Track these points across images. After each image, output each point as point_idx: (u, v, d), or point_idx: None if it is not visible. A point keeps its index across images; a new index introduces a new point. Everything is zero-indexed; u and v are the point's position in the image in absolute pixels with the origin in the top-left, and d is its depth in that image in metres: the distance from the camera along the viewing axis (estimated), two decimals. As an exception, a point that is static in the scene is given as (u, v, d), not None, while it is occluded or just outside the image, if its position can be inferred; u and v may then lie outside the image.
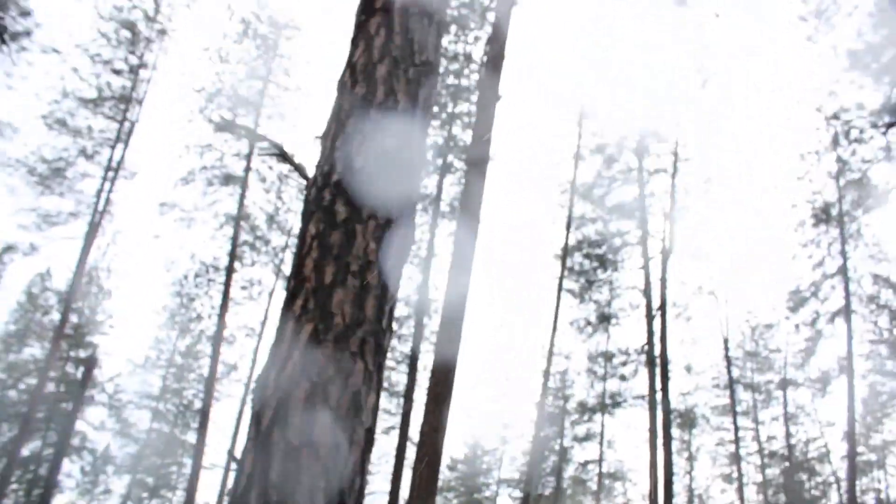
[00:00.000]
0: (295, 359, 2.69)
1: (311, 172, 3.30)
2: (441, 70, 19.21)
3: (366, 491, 2.78)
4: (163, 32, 23.45)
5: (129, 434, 28.11)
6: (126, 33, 22.81)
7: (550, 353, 21.05)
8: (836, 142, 22.51)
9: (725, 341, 26.43)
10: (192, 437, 27.84)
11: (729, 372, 27.44)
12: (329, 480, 2.55)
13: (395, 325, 3.25)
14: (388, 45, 3.37)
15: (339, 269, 2.86)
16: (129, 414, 27.88)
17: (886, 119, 16.83)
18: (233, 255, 23.14)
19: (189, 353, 28.48)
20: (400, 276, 3.15)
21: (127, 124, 22.54)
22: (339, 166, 3.09)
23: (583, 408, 26.64)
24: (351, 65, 3.41)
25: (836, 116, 20.71)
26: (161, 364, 28.95)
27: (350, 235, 2.93)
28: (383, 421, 25.20)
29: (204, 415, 21.97)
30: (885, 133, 17.10)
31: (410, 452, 18.23)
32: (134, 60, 22.96)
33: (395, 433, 24.12)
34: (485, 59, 15.52)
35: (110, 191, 21.94)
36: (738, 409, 30.46)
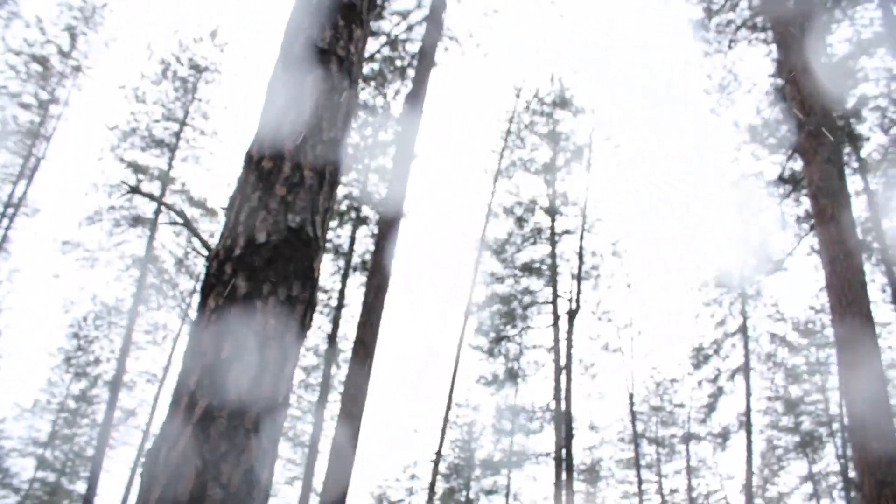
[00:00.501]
0: (187, 435, 2.64)
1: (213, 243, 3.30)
2: (359, 122, 19.40)
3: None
4: (77, 69, 22.92)
5: (10, 484, 26.41)
6: (37, 67, 22.19)
7: (448, 406, 21.12)
8: (739, 208, 23.64)
9: (631, 396, 27.05)
10: (81, 487, 26.45)
11: (634, 426, 28.01)
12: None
13: (291, 399, 3.26)
14: (297, 122, 3.38)
15: (237, 345, 2.84)
16: (11, 462, 26.24)
17: (781, 189, 17.84)
18: (138, 298, 22.42)
19: (84, 397, 27.15)
20: (298, 351, 3.17)
21: (32, 160, 21.81)
22: (241, 241, 3.08)
23: (488, 463, 26.67)
24: (259, 138, 3.42)
25: (736, 185, 21.78)
26: (52, 408, 27.48)
27: (250, 312, 2.91)
28: (287, 471, 24.62)
29: (96, 463, 20.98)
30: (780, 203, 18.09)
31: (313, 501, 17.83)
32: (44, 95, 22.34)
33: (299, 483, 23.62)
34: (403, 114, 15.77)
35: (8, 227, 21.10)
36: (642, 462, 30.89)
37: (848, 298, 8.44)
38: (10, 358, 27.53)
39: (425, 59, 13.16)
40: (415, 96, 12.98)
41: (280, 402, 2.92)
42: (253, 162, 3.35)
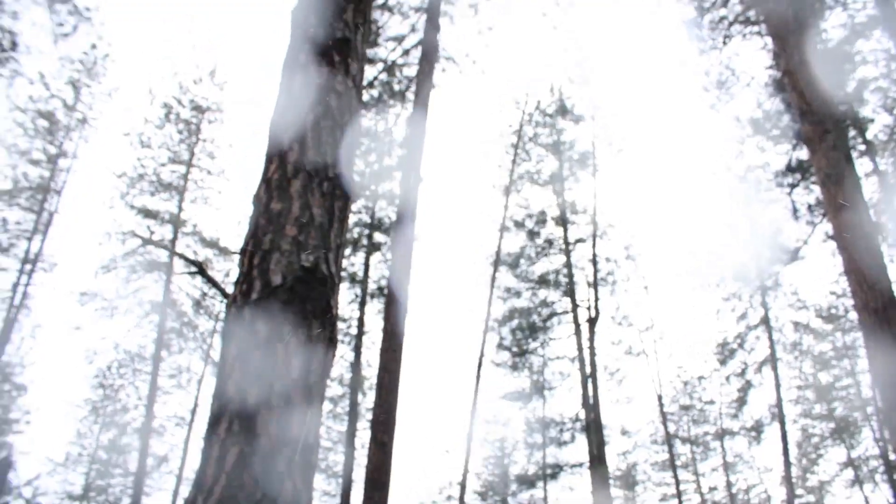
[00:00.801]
0: (221, 483, 2.66)
1: (230, 289, 3.32)
2: (363, 149, 19.51)
3: None
4: (83, 121, 23.18)
5: (52, 541, 26.51)
6: (44, 122, 22.46)
7: (472, 424, 21.03)
8: (747, 202, 23.51)
9: (659, 398, 26.80)
10: (121, 537, 26.46)
11: (665, 427, 27.71)
12: None
13: (326, 435, 3.28)
14: (302, 160, 3.42)
15: (263, 390, 2.84)
16: (50, 518, 26.30)
17: (789, 179, 17.74)
18: (159, 343, 22.52)
19: (114, 447, 27.16)
20: (325, 388, 3.19)
21: (45, 214, 22.01)
22: (257, 285, 3.10)
23: (523, 478, 26.49)
24: (266, 180, 3.44)
25: (743, 179, 21.70)
26: (83, 460, 27.52)
27: (271, 355, 2.92)
28: (323, 503, 24.54)
29: (134, 511, 21.05)
30: (789, 193, 17.98)
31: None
32: (52, 150, 22.58)
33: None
34: (406, 138, 15.86)
35: (27, 284, 21.27)
36: (678, 462, 30.52)
37: (869, 282, 8.38)
38: (38, 413, 27.69)
39: (424, 82, 13.24)
40: (416, 119, 13.06)
41: (311, 443, 2.94)
42: (262, 205, 3.38)
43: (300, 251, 3.21)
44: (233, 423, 2.78)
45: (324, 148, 3.52)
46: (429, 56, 13.63)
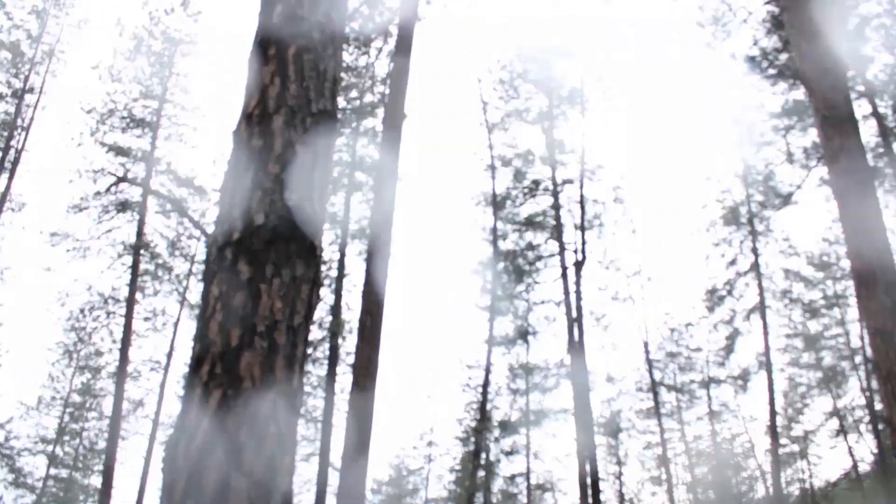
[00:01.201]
0: (204, 426, 2.62)
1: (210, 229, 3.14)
2: (344, 85, 19.02)
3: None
4: (50, 54, 22.37)
5: (25, 484, 26.31)
6: (6, 55, 21.62)
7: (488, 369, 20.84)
8: (741, 144, 23.23)
9: (646, 345, 26.90)
10: (96, 481, 26.43)
11: (651, 374, 27.84)
12: (249, 550, 2.48)
13: (305, 380, 3.16)
14: (284, 95, 3.29)
15: (246, 331, 2.79)
16: (23, 462, 26.14)
17: (785, 121, 17.56)
18: (133, 286, 22.12)
19: (88, 390, 26.99)
20: (309, 330, 3.07)
21: (12, 152, 21.36)
22: (239, 224, 3.00)
23: (505, 424, 26.64)
24: (246, 116, 3.30)
25: (737, 121, 21.47)
26: (56, 404, 27.31)
27: (255, 296, 2.85)
28: (302, 448, 24.64)
29: (109, 456, 20.91)
30: (784, 135, 17.82)
31: (333, 478, 17.82)
32: (17, 84, 21.82)
33: (315, 460, 23.65)
34: (390, 73, 15.45)
35: (-6, 224, 20.77)
36: (663, 410, 30.82)
37: (863, 229, 8.25)
38: (10, 356, 27.38)
39: (407, 16, 12.87)
40: (400, 54, 12.68)
41: (295, 386, 2.88)
42: (242, 141, 3.25)
43: (283, 190, 3.11)
44: (215, 366, 2.73)
45: (306, 83, 3.38)
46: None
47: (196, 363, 2.79)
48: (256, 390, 2.69)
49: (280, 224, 3.00)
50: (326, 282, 20.38)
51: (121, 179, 13.49)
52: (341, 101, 18.99)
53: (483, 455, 26.89)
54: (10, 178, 21.20)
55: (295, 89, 3.30)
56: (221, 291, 2.87)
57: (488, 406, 26.16)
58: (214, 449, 2.55)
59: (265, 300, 2.86)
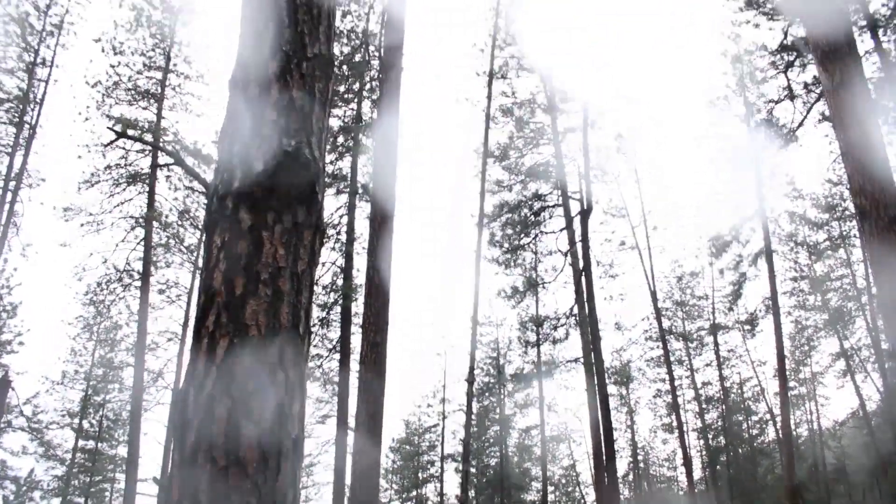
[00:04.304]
0: (213, 376, 2.62)
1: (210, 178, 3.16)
2: (343, 46, 18.87)
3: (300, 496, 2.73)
4: (59, 26, 22.20)
5: (54, 456, 26.83)
6: (15, 28, 21.48)
7: (475, 324, 20.81)
8: (742, 85, 22.93)
9: (653, 294, 26.86)
10: (123, 451, 26.92)
11: (659, 323, 27.89)
12: (261, 497, 2.51)
13: (312, 328, 3.18)
14: (279, 41, 3.25)
15: (250, 279, 2.79)
16: (51, 435, 26.62)
17: (785, 58, 17.33)
18: (147, 259, 22.28)
19: (109, 363, 27.36)
20: (314, 277, 3.08)
21: (26, 128, 21.34)
22: (238, 172, 2.97)
23: (519, 377, 26.82)
24: (241, 62, 3.27)
25: (738, 59, 21.18)
26: (80, 378, 27.72)
27: (257, 244, 2.85)
28: (318, 410, 24.97)
29: (133, 427, 21.28)
30: (785, 72, 17.59)
31: (350, 440, 18.08)
32: (28, 58, 21.72)
33: (332, 421, 23.96)
34: (384, 29, 15.31)
35: (13, 201, 20.83)
36: (672, 358, 31.01)
37: (867, 167, 8.18)
38: (33, 333, 27.72)
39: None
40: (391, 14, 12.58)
41: (301, 333, 2.88)
42: (239, 88, 3.21)
43: (281, 136, 3.08)
44: (220, 315, 2.72)
45: (301, 27, 3.34)
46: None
47: (202, 313, 2.79)
48: (262, 338, 2.69)
49: (279, 170, 2.97)
50: (337, 245, 20.46)
51: (120, 134, 13.47)
52: (337, 50, 18.81)
53: (497, 410, 27.05)
54: (26, 155, 21.21)
55: (289, 34, 3.26)
56: (224, 241, 2.85)
57: (501, 360, 26.35)
58: (223, 398, 2.56)
59: (268, 247, 2.85)
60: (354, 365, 19.94)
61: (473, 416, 29.59)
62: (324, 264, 19.89)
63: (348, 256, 20.20)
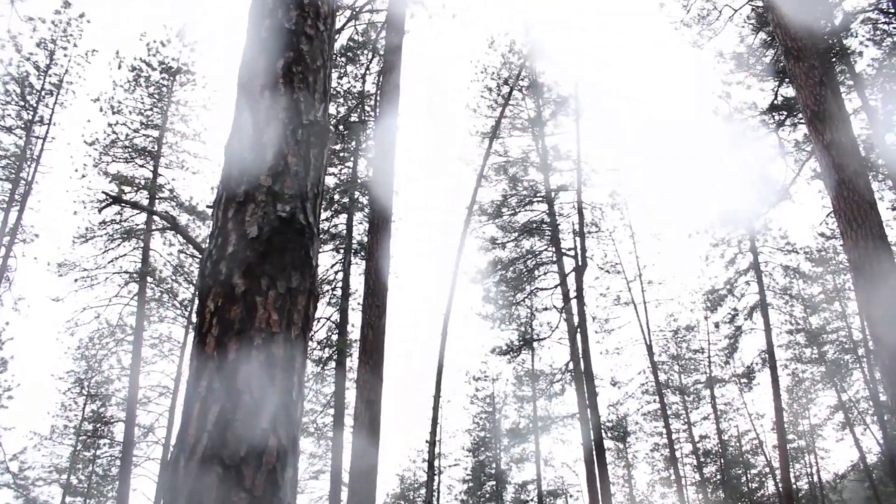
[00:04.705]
0: (203, 442, 2.60)
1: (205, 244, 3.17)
2: (339, 106, 19.13)
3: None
4: (58, 86, 22.56)
5: (40, 514, 26.33)
6: (15, 87, 21.83)
7: (438, 386, 20.40)
8: (734, 143, 23.26)
9: (649, 348, 26.78)
10: (111, 507, 26.39)
11: (656, 377, 27.75)
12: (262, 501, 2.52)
13: (305, 391, 3.17)
14: (275, 107, 3.27)
15: (243, 345, 2.76)
16: (38, 491, 26.08)
17: (776, 117, 17.62)
18: (140, 313, 22.24)
19: (99, 418, 27.02)
20: (306, 345, 3.05)
21: (22, 184, 21.49)
22: (232, 237, 2.98)
23: (515, 432, 26.58)
24: (237, 126, 3.31)
25: (730, 118, 21.56)
26: (69, 433, 27.35)
27: (251, 309, 2.82)
28: (312, 466, 24.62)
29: (122, 482, 20.96)
30: (776, 131, 17.88)
31: (343, 496, 17.80)
32: (26, 116, 22.01)
33: (325, 476, 23.62)
34: (379, 88, 15.55)
35: (6, 256, 20.86)
36: (669, 412, 30.85)
37: (858, 221, 8.28)
38: (23, 387, 27.36)
39: (394, 29, 13.00)
40: (388, 70, 12.79)
41: (294, 399, 2.85)
42: (234, 154, 3.25)
43: (276, 201, 3.09)
44: (213, 381, 2.70)
45: (297, 94, 3.36)
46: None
47: (194, 379, 2.76)
48: (254, 404, 2.67)
49: (273, 236, 2.98)
50: (332, 300, 20.44)
51: (115, 199, 13.54)
52: (333, 110, 19.09)
53: (493, 464, 26.65)
54: (21, 211, 21.31)
55: (285, 102, 3.29)
56: (217, 306, 2.84)
57: (497, 416, 26.10)
58: (214, 465, 2.54)
59: (261, 313, 2.83)
60: (349, 420, 19.80)
61: (468, 471, 29.20)
62: (319, 320, 19.85)
63: (343, 312, 20.18)
